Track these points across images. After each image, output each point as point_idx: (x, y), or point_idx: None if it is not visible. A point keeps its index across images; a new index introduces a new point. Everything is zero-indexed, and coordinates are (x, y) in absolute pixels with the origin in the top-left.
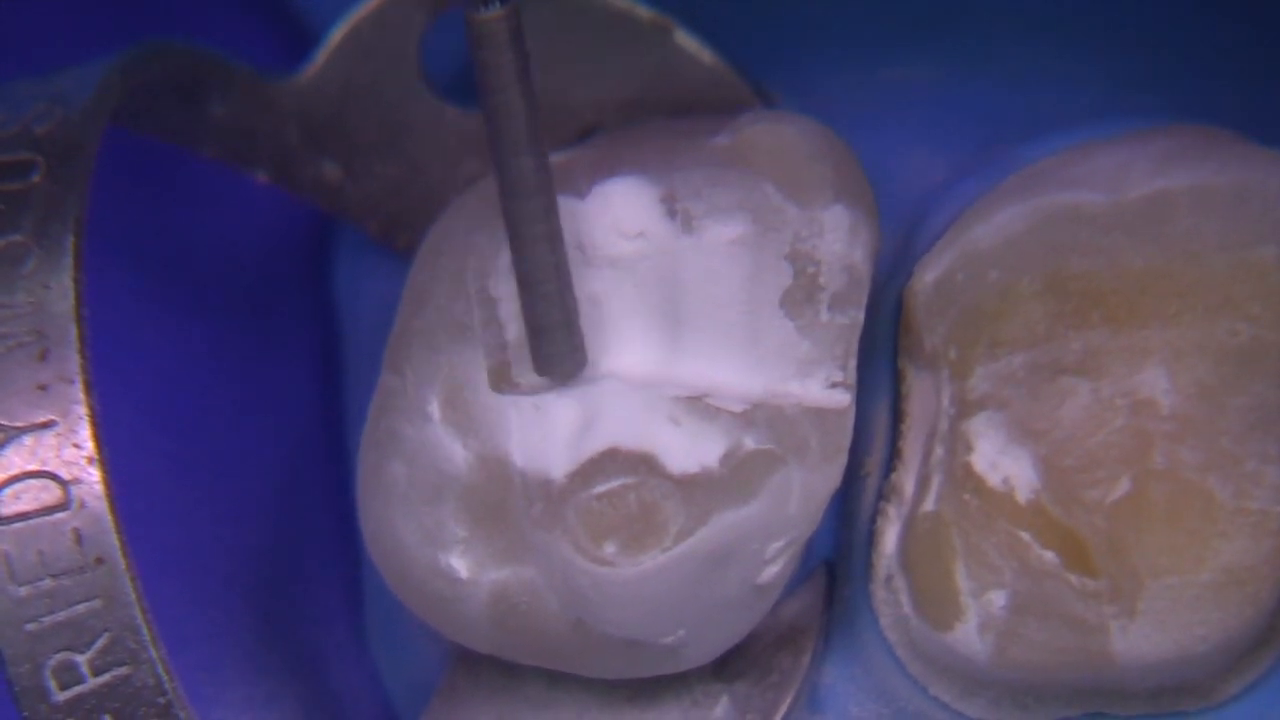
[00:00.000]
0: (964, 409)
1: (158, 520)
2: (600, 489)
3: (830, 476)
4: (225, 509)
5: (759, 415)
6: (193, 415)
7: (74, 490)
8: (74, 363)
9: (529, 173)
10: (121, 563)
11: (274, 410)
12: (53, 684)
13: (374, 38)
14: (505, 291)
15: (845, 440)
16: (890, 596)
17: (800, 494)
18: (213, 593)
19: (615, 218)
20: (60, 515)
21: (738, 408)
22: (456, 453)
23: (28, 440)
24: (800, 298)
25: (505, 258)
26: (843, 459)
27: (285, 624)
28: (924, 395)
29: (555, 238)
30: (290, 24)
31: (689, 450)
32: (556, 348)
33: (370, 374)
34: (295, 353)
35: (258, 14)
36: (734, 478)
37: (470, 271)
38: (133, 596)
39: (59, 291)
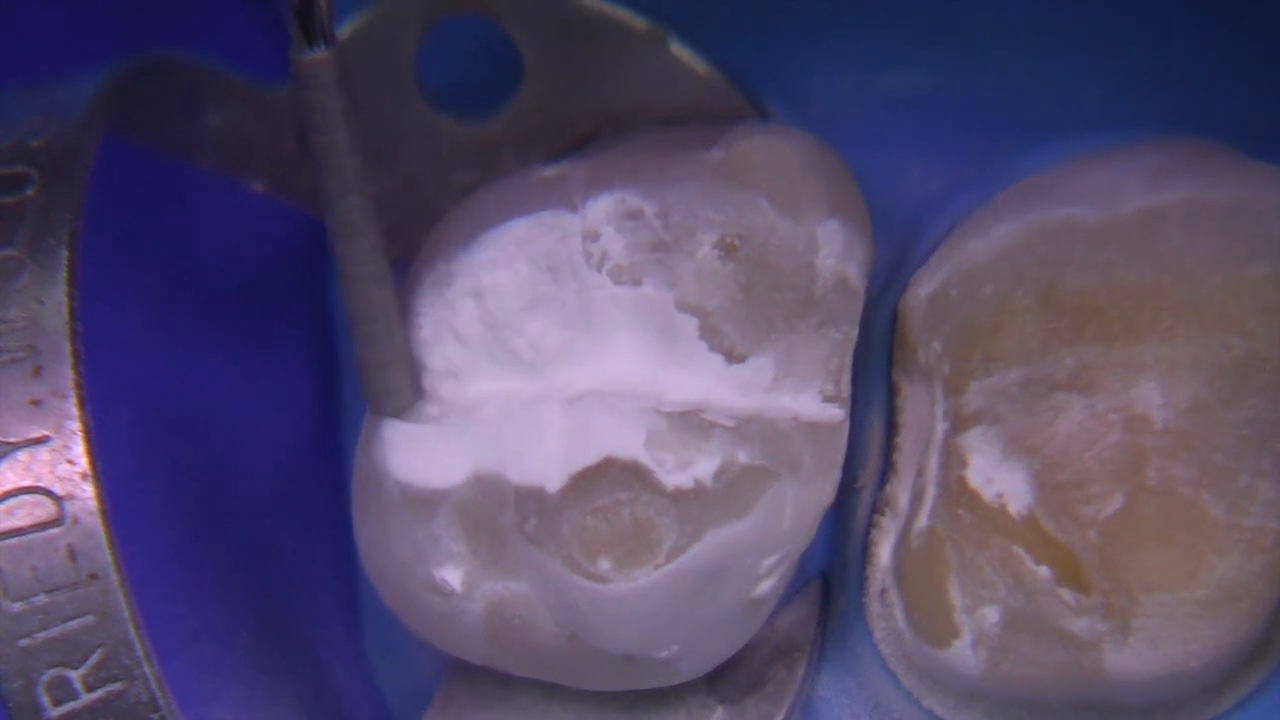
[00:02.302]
0: (958, 423)
1: (156, 525)
2: (594, 504)
3: (824, 491)
4: (223, 512)
5: (752, 430)
6: (190, 422)
7: (68, 506)
8: (68, 378)
9: (356, 212)
10: (115, 578)
11: (271, 416)
12: (46, 700)
13: (369, 49)
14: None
15: (839, 455)
16: (884, 610)
17: (794, 509)
18: (211, 595)
19: (609, 232)
20: (54, 531)
21: (731, 422)
22: (450, 466)
23: (22, 456)
24: (794, 312)
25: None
26: (837, 474)
27: (283, 627)
28: (918, 409)
29: (384, 277)
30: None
31: (683, 465)
32: (387, 384)
33: None
34: (292, 360)
35: (254, 24)
36: (728, 493)
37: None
38: (126, 612)
39: (53, 307)
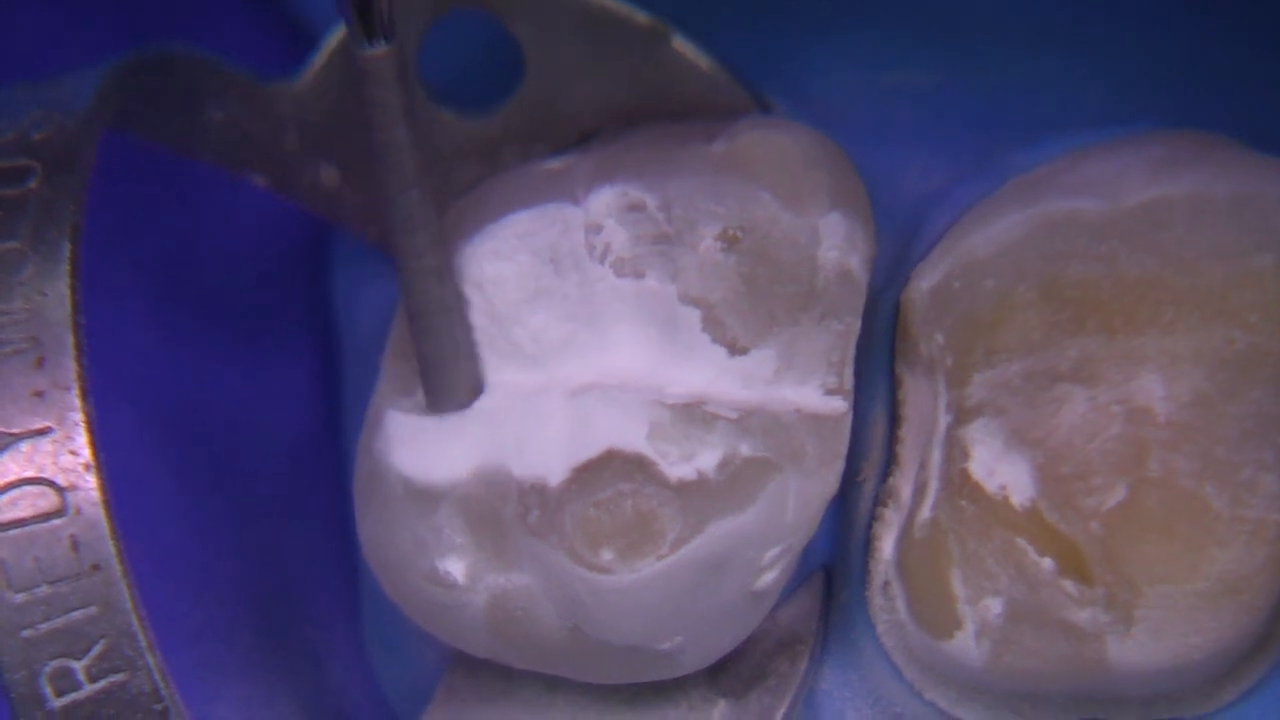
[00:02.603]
0: (961, 416)
1: (157, 522)
2: (596, 496)
3: (827, 483)
4: (224, 511)
5: (755, 422)
6: (192, 418)
7: (70, 497)
8: (70, 369)
9: (416, 206)
10: (118, 569)
11: (272, 412)
12: (49, 691)
13: None
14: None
15: (842, 447)
16: (887, 602)
17: (796, 501)
18: (212, 593)
19: (611, 225)
20: (57, 522)
21: (734, 414)
22: (453, 459)
23: (24, 447)
24: (797, 305)
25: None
26: (839, 466)
27: (284, 625)
28: (921, 401)
29: (443, 271)
30: (287, 28)
31: (686, 457)
32: (448, 380)
33: (368, 379)
34: (293, 357)
35: (255, 19)
36: (730, 485)
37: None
38: (129, 603)
39: (55, 298)
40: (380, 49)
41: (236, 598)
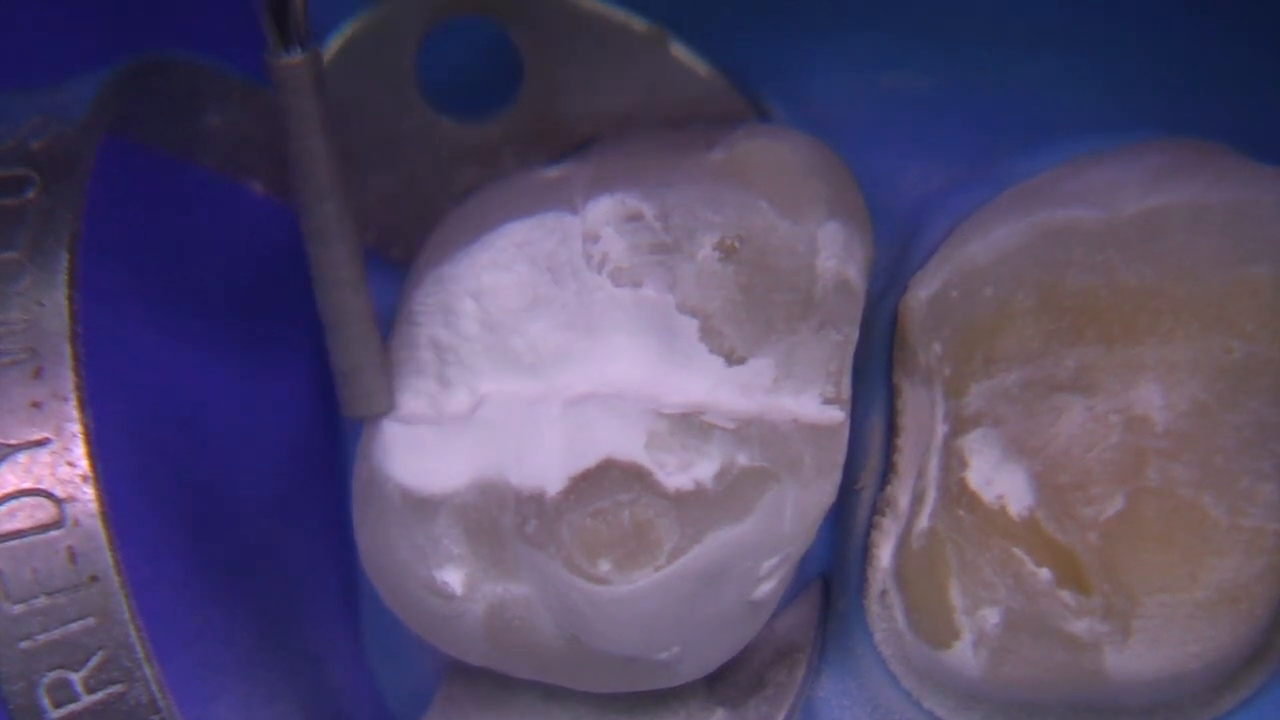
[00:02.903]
0: (959, 425)
1: (157, 523)
2: (594, 506)
3: (824, 493)
4: (223, 513)
5: (753, 432)
6: (191, 421)
7: (68, 508)
8: (68, 380)
9: (332, 218)
10: (115, 580)
11: (271, 417)
12: (47, 702)
13: (369, 49)
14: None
15: (839, 457)
16: (885, 611)
17: (794, 510)
18: (211, 595)
19: (609, 234)
20: (54, 533)
21: (731, 424)
22: (451, 468)
23: (22, 458)
24: (794, 314)
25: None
26: (837, 475)
27: (283, 628)
28: (919, 410)
29: (359, 282)
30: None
31: (683, 467)
32: (362, 389)
33: None
34: (292, 362)
35: (254, 24)
36: (728, 495)
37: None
38: (127, 614)
39: (53, 309)
40: (296, 56)
41: (235, 601)
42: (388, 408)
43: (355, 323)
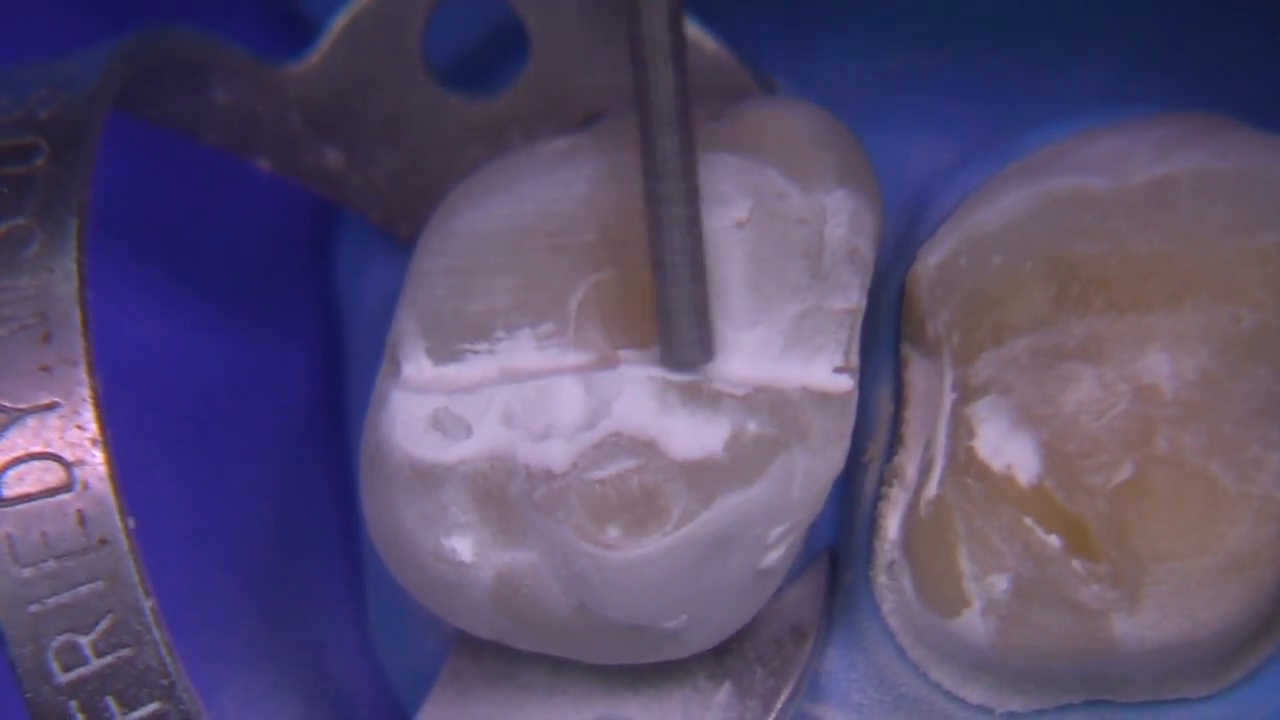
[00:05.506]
0: (967, 394)
1: (159, 508)
2: (603, 473)
3: (833, 461)
4: (227, 497)
5: (762, 399)
6: (194, 402)
7: (77, 472)
8: (77, 345)
9: (673, 153)
10: (124, 544)
11: (276, 397)
12: (55, 665)
13: (377, 25)
14: None
15: (848, 425)
16: (892, 582)
17: (803, 478)
18: (215, 581)
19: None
20: (63, 497)
21: (740, 391)
22: (459, 436)
23: (31, 422)
24: (803, 282)
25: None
26: (845, 443)
27: (287, 612)
28: (927, 380)
29: (694, 222)
30: (293, 10)
31: (692, 434)
32: (684, 335)
33: (372, 361)
34: (297, 340)
35: (260, 8)
36: (737, 462)
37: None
38: (135, 578)
39: (62, 274)
40: None
41: (239, 582)
42: (702, 360)
43: (686, 264)
